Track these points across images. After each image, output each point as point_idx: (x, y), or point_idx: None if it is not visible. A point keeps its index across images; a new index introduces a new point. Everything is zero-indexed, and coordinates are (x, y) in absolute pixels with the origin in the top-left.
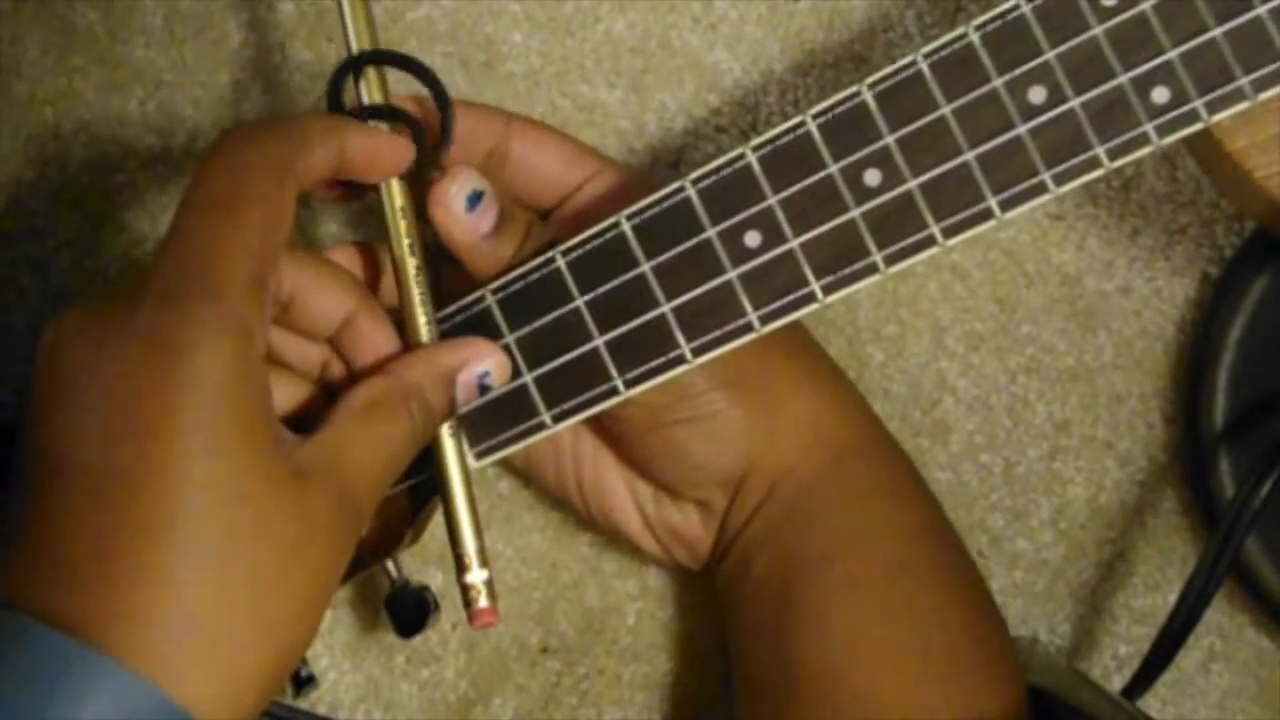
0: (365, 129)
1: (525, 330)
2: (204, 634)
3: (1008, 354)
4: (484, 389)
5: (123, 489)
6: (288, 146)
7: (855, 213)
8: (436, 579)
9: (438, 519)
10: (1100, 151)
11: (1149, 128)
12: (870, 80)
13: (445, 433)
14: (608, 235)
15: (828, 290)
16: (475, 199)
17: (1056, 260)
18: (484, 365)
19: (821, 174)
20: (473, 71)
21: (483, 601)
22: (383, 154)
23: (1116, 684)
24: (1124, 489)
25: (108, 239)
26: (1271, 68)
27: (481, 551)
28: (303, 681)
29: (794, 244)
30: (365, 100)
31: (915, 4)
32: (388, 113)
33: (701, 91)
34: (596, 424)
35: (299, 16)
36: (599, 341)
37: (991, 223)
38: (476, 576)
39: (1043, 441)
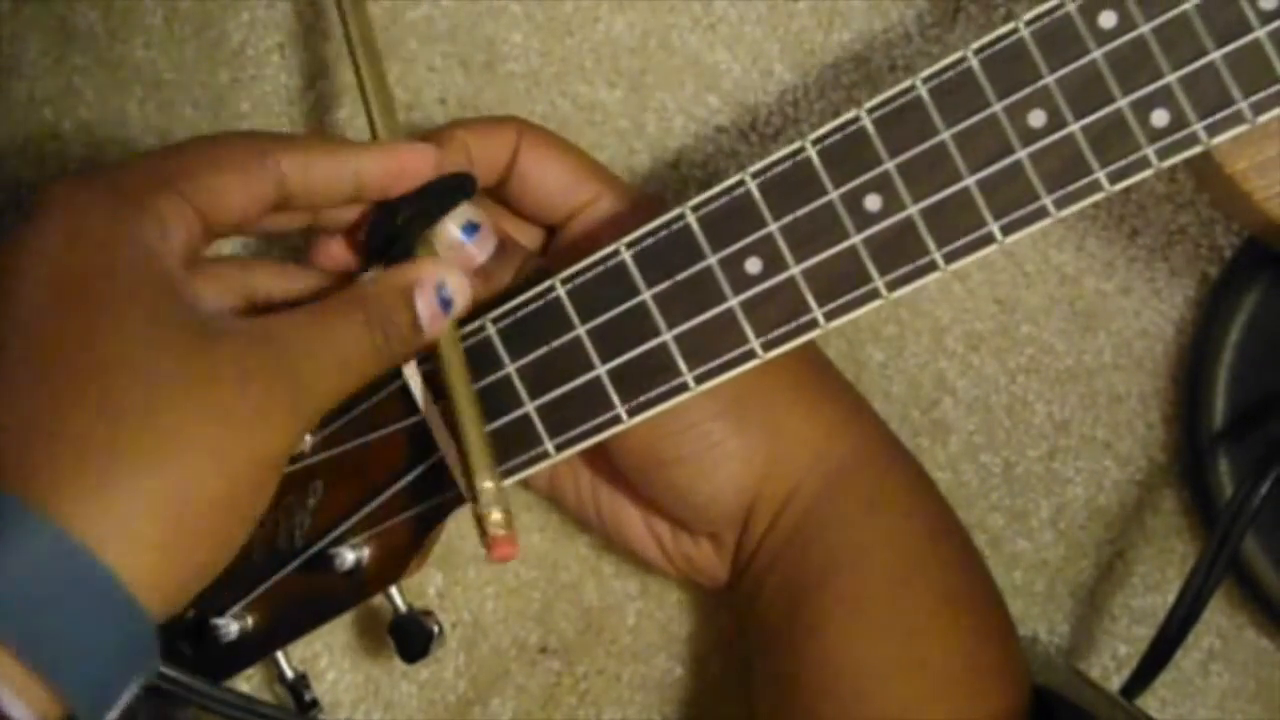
0: (380, 150)
1: (526, 359)
2: (94, 462)
3: (1007, 354)
4: (446, 304)
5: (30, 340)
6: (279, 134)
7: (856, 239)
8: (436, 580)
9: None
10: (1101, 175)
11: (1149, 151)
12: (869, 105)
13: (452, 352)
14: (608, 263)
15: (830, 316)
16: (471, 230)
17: (1056, 260)
18: (438, 279)
19: (822, 200)
20: (472, 71)
21: (500, 531)
22: (407, 165)
23: (1116, 684)
24: (1123, 489)
25: None
26: (1271, 90)
27: (496, 480)
28: (307, 706)
29: (795, 270)
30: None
31: (915, 4)
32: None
33: (701, 91)
34: (604, 465)
35: (299, 16)
36: (601, 370)
37: (993, 247)
38: (491, 506)
39: (1042, 442)
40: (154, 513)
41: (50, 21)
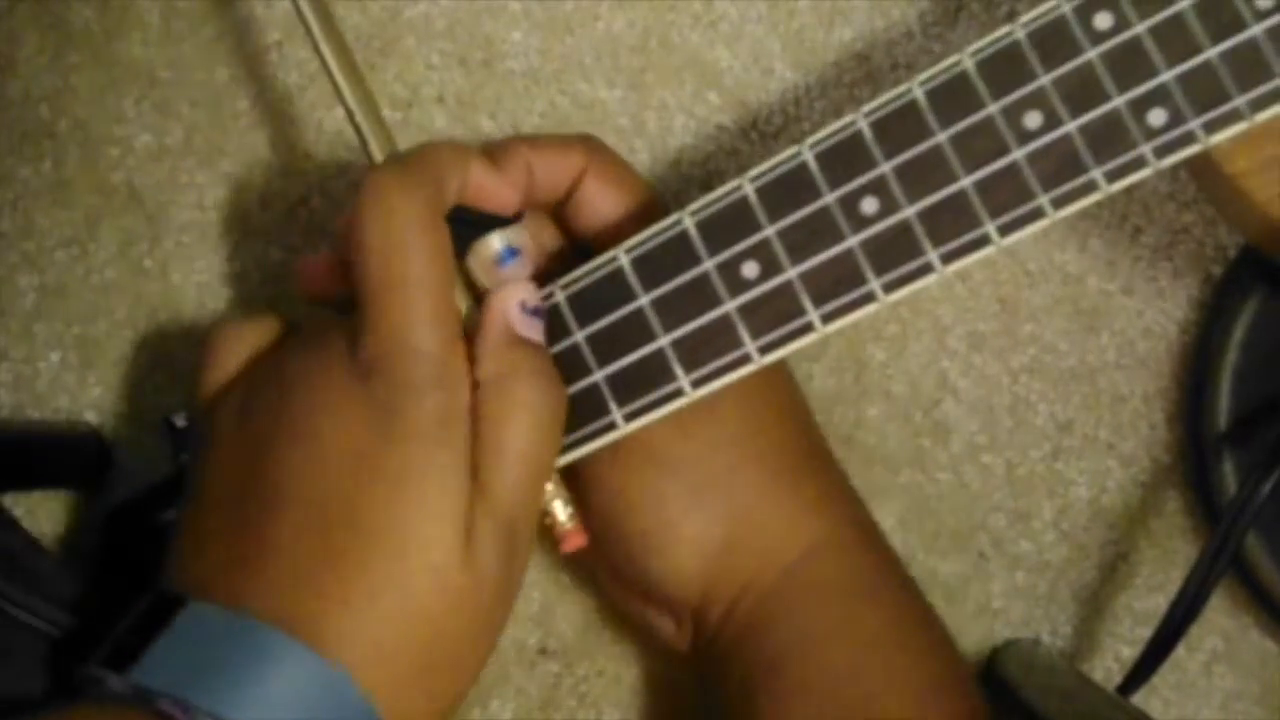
0: (486, 164)
1: None
2: (385, 649)
3: (1010, 354)
4: (537, 314)
5: (346, 523)
6: (434, 193)
7: (853, 241)
8: None
9: None
10: (1098, 175)
11: (1146, 150)
12: (866, 109)
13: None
14: (605, 269)
15: (826, 320)
16: (511, 253)
17: (1059, 260)
18: (514, 300)
19: (818, 203)
20: (471, 69)
21: (568, 526)
22: (497, 194)
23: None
24: (1126, 490)
25: (105, 238)
26: (1268, 87)
27: (554, 479)
28: None
29: (792, 274)
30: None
31: (916, 2)
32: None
33: (701, 90)
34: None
35: (296, 14)
36: (598, 376)
37: (990, 249)
38: (555, 505)
39: (1045, 442)
40: (408, 694)
41: (46, 19)
